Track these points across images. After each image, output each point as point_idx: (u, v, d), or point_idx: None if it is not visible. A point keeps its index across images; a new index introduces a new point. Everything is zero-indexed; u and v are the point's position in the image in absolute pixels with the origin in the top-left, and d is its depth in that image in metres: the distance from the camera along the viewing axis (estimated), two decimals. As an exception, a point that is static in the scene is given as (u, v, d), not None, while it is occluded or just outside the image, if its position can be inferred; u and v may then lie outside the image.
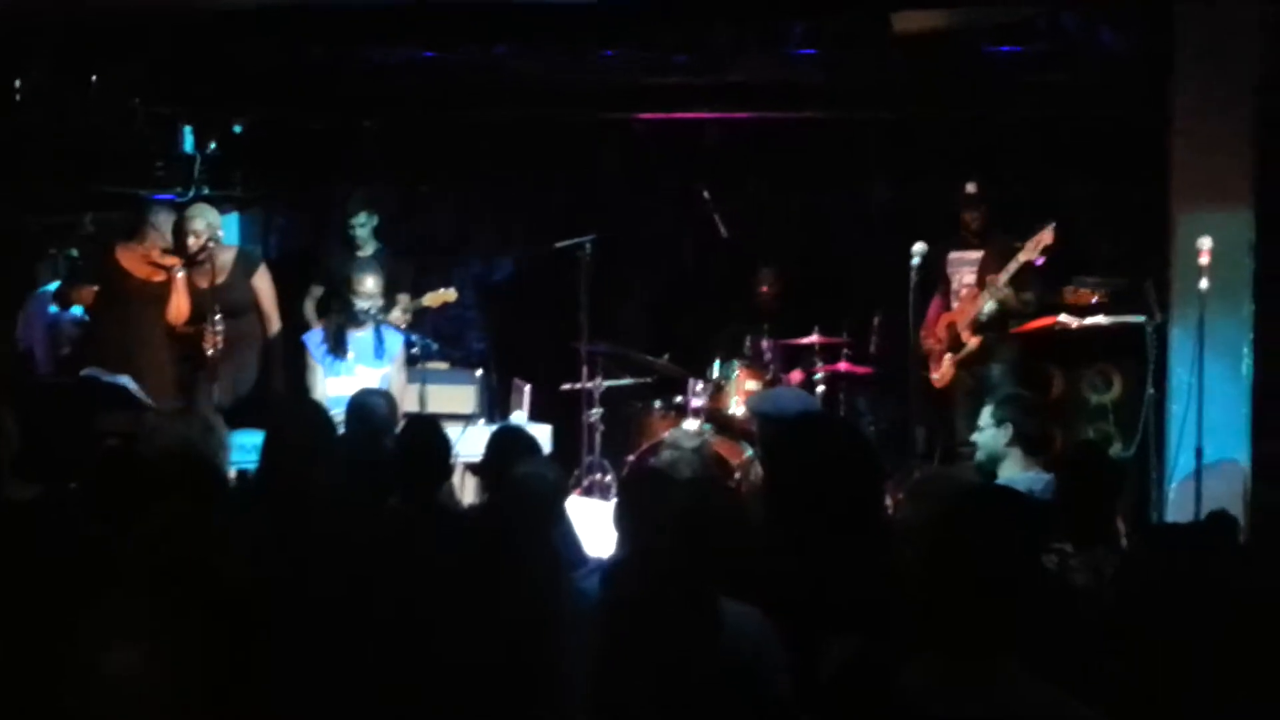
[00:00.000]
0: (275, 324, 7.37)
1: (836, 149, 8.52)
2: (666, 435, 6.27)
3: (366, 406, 5.47)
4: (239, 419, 6.91)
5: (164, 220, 7.09)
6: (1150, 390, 6.70)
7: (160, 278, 7.00)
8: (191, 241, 6.99)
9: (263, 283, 7.33)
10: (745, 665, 2.84)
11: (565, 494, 4.51)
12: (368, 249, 7.85)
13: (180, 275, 6.95)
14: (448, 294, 7.74)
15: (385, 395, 5.83)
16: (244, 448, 5.54)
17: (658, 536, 3.43)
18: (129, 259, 7.04)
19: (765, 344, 8.05)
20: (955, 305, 7.34)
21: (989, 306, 7.11)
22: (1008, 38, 7.01)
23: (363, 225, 7.84)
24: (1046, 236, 6.85)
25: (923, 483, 4.27)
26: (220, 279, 7.03)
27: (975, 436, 5.33)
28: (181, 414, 5.31)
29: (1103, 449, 6.21)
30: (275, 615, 2.87)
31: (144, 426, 4.43)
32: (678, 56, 7.41)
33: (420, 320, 7.82)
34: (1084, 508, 4.23)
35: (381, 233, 8.02)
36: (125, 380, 6.32)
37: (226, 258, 7.19)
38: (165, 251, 7.02)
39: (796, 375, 7.97)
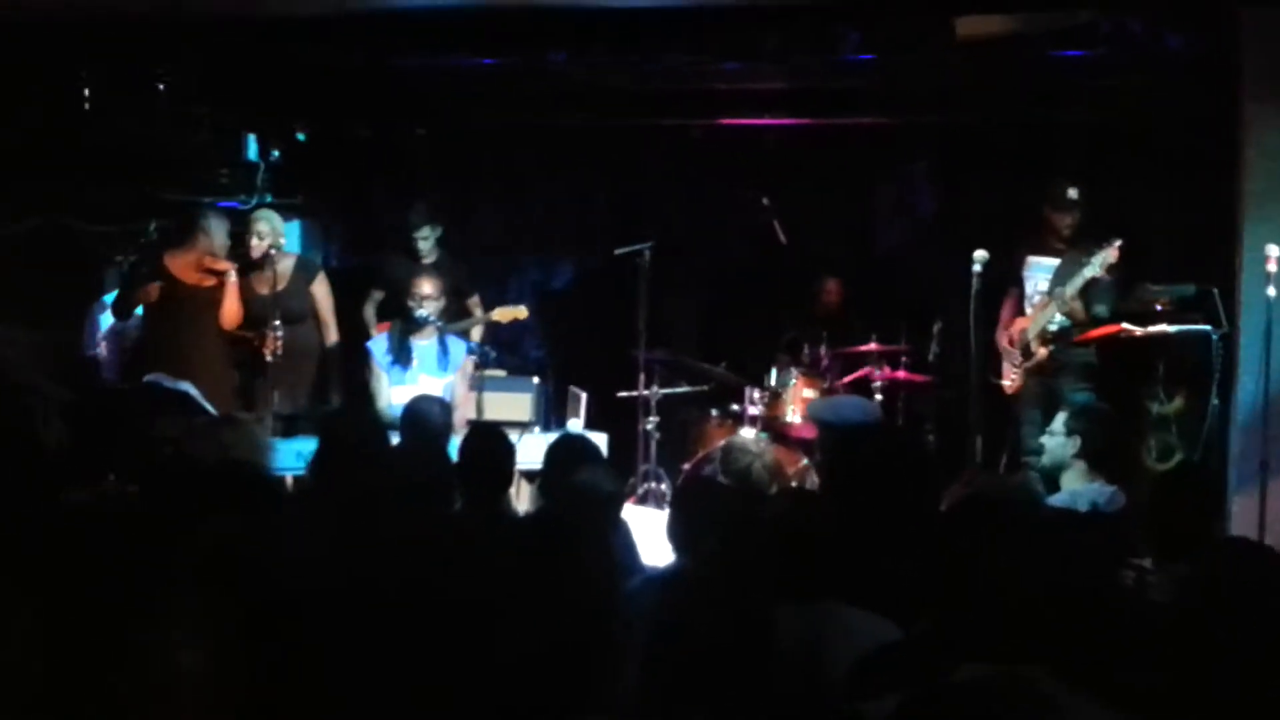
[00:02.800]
0: (333, 333, 7.43)
1: (895, 155, 8.46)
2: (729, 441, 6.22)
3: (420, 413, 5.47)
4: (298, 426, 6.99)
5: (215, 226, 7.14)
6: (1215, 401, 6.59)
7: (211, 283, 7.06)
8: (255, 244, 7.07)
9: (321, 291, 7.39)
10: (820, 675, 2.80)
11: (621, 502, 4.49)
12: (430, 259, 7.87)
13: (233, 280, 7.01)
14: (518, 310, 7.68)
15: (440, 402, 5.83)
16: (302, 455, 5.56)
17: (712, 545, 3.41)
18: (178, 266, 7.10)
19: (823, 352, 8.00)
20: (1029, 311, 7.26)
21: (1056, 318, 7.04)
22: (1071, 42, 6.92)
23: (426, 238, 7.84)
24: (1113, 254, 6.78)
25: (978, 491, 4.23)
26: (280, 285, 7.11)
27: (1044, 440, 5.30)
28: (225, 421, 5.34)
29: (1198, 466, 6.13)
30: (331, 620, 2.87)
31: (192, 433, 4.46)
32: (731, 63, 7.38)
33: (488, 333, 7.83)
34: (1170, 524, 4.14)
35: (445, 242, 8.06)
36: (187, 386, 6.37)
37: (287, 264, 7.26)
38: (216, 256, 7.08)
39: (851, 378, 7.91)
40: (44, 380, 6.14)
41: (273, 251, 7.06)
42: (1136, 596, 3.68)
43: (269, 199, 8.19)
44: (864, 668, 2.69)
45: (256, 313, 7.03)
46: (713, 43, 7.21)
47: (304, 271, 7.35)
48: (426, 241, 7.85)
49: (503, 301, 7.83)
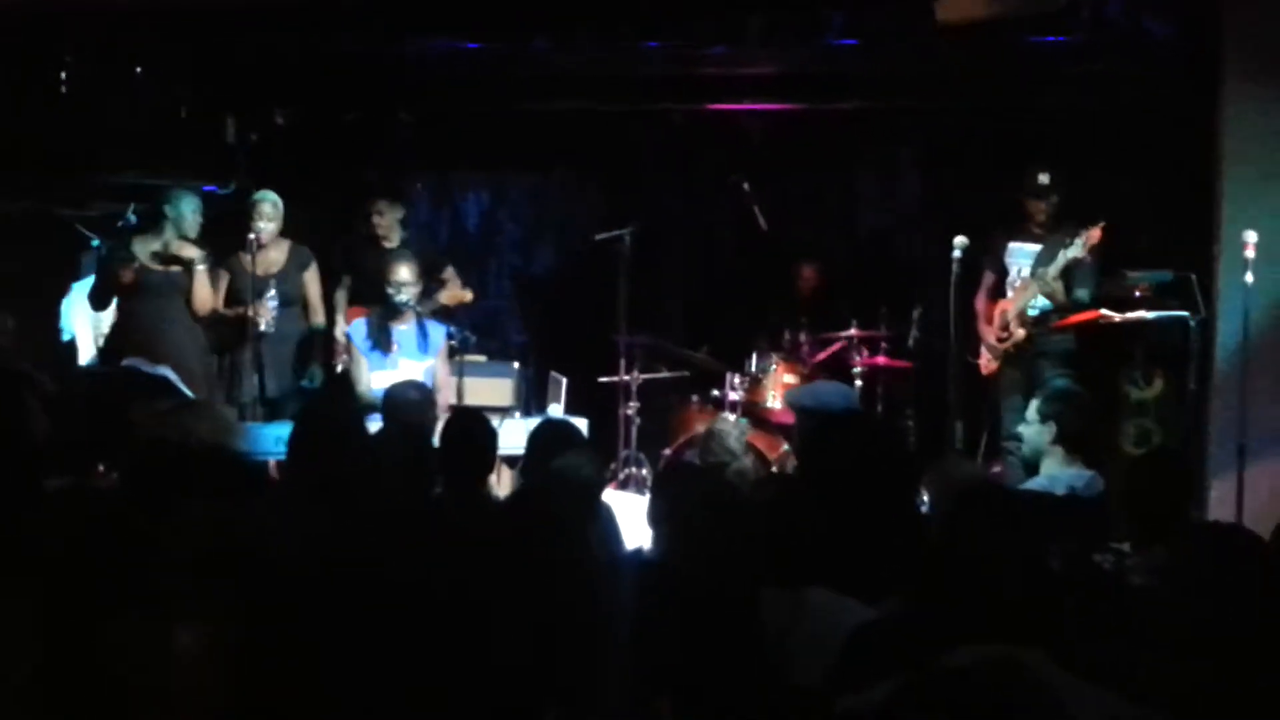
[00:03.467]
0: (320, 318, 7.44)
1: (876, 141, 8.47)
2: (710, 429, 6.23)
3: (399, 399, 5.48)
4: (282, 411, 6.99)
5: (185, 209, 7.09)
6: (1192, 386, 6.62)
7: (178, 268, 7.04)
8: (261, 226, 7.09)
9: (312, 278, 7.42)
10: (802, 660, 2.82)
11: (602, 487, 4.50)
12: (393, 240, 7.85)
13: (201, 268, 7.00)
14: (464, 294, 7.74)
15: (419, 387, 5.83)
16: (282, 440, 5.56)
17: (694, 530, 3.42)
18: (147, 253, 7.08)
19: (803, 338, 8.01)
20: (1010, 294, 7.27)
21: (1038, 299, 7.05)
22: (1051, 27, 6.93)
23: (381, 214, 7.83)
24: (1095, 235, 6.79)
25: (944, 477, 4.26)
26: (274, 269, 7.16)
27: (1020, 429, 5.31)
28: (191, 405, 5.33)
29: (1172, 451, 6.16)
30: (316, 603, 2.88)
31: (160, 418, 4.45)
32: (716, 47, 7.38)
33: (450, 314, 7.82)
34: (1146, 509, 4.16)
35: (407, 224, 8.04)
36: (166, 371, 6.35)
37: (283, 248, 7.28)
38: (185, 241, 7.06)
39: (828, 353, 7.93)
40: (30, 367, 6.12)
41: (273, 228, 7.13)
42: (1115, 579, 3.72)
43: (247, 184, 8.16)
44: (848, 655, 2.70)
45: (247, 291, 7.02)
46: (696, 28, 7.21)
47: (298, 258, 7.36)
48: (383, 219, 7.81)
49: (483, 285, 7.83)
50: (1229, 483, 6.16)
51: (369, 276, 7.37)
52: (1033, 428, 5.15)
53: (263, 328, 6.96)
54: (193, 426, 4.19)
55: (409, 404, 5.43)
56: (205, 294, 7.05)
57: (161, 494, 3.51)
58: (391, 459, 4.23)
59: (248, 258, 7.01)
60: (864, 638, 2.76)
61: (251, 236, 7.01)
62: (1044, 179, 7.14)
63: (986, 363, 7.28)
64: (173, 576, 2.67)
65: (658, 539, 3.87)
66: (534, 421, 6.13)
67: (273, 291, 6.99)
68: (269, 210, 7.16)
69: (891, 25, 7.19)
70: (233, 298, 7.20)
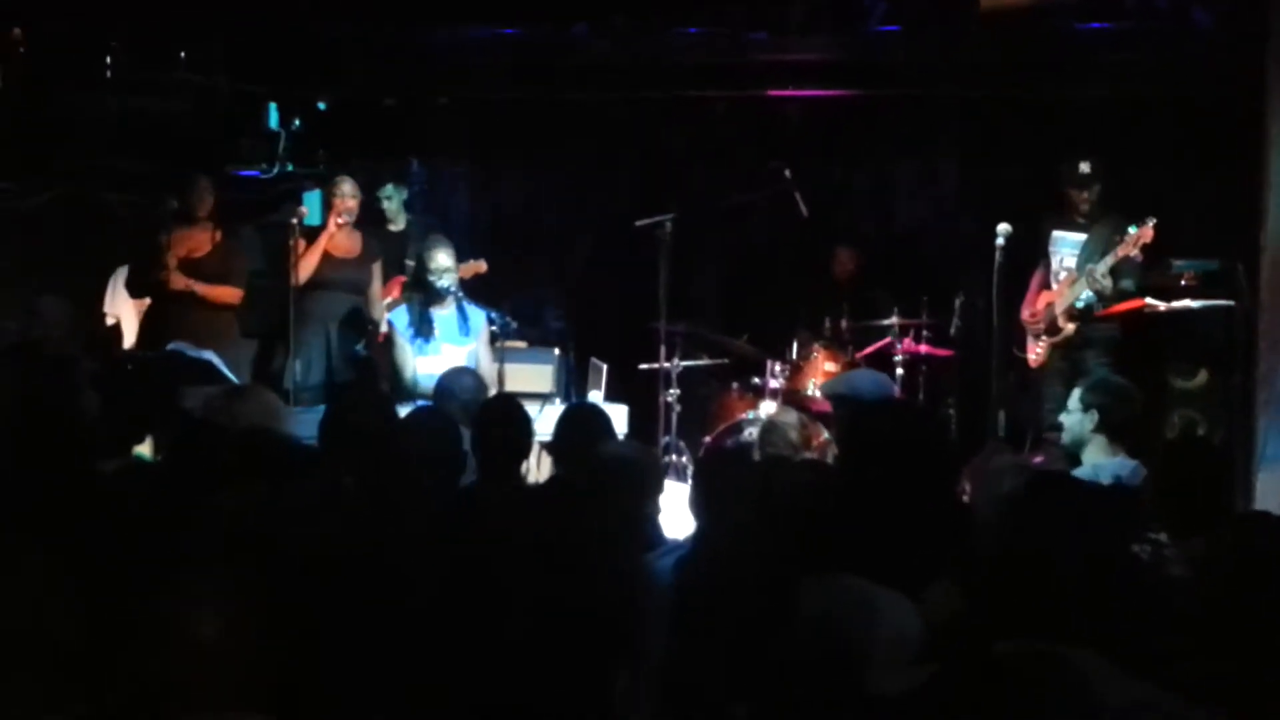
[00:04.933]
0: (378, 311, 7.51)
1: (918, 128, 8.42)
2: (771, 419, 6.20)
3: (454, 385, 5.50)
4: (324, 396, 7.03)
5: (204, 185, 7.18)
6: (1239, 376, 6.56)
7: (203, 250, 7.08)
8: (339, 204, 7.19)
9: (378, 271, 7.51)
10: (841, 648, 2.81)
11: (660, 472, 4.50)
12: (399, 223, 7.90)
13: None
14: (478, 265, 7.77)
15: (473, 373, 5.86)
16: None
17: (734, 517, 3.42)
18: (183, 238, 7.14)
19: (844, 325, 7.99)
20: (1055, 286, 7.24)
21: (1086, 295, 7.02)
22: (1096, 15, 6.87)
23: (389, 198, 7.90)
24: (1147, 234, 6.75)
25: (984, 466, 4.23)
26: (350, 255, 7.29)
27: (1062, 418, 5.25)
28: (242, 390, 5.36)
29: (1206, 439, 6.10)
30: (348, 590, 2.89)
31: (210, 402, 4.48)
32: (757, 34, 7.35)
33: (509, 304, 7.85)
34: (1183, 498, 4.12)
35: (411, 206, 8.07)
36: (209, 355, 6.39)
37: (355, 236, 7.37)
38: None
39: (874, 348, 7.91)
40: (79, 351, 6.17)
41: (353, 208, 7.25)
42: (1154, 570, 3.68)
43: (290, 169, 8.20)
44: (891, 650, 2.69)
45: (326, 273, 7.17)
46: (737, 14, 7.18)
47: (370, 249, 7.44)
48: (390, 203, 7.89)
49: (526, 273, 7.86)
50: (1275, 474, 6.11)
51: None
52: (1074, 416, 5.11)
53: (339, 221, 7.13)
54: (240, 411, 4.22)
55: (464, 389, 5.45)
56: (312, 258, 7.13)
57: (205, 477, 3.54)
58: (424, 444, 4.24)
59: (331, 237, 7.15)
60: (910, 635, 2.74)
61: (341, 220, 7.14)
62: (1085, 168, 7.09)
63: (1036, 356, 7.25)
64: (202, 560, 2.70)
65: (699, 525, 3.88)
66: (574, 408, 6.13)
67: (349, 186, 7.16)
68: (349, 189, 7.25)
69: (934, 12, 7.14)
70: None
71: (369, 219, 7.84)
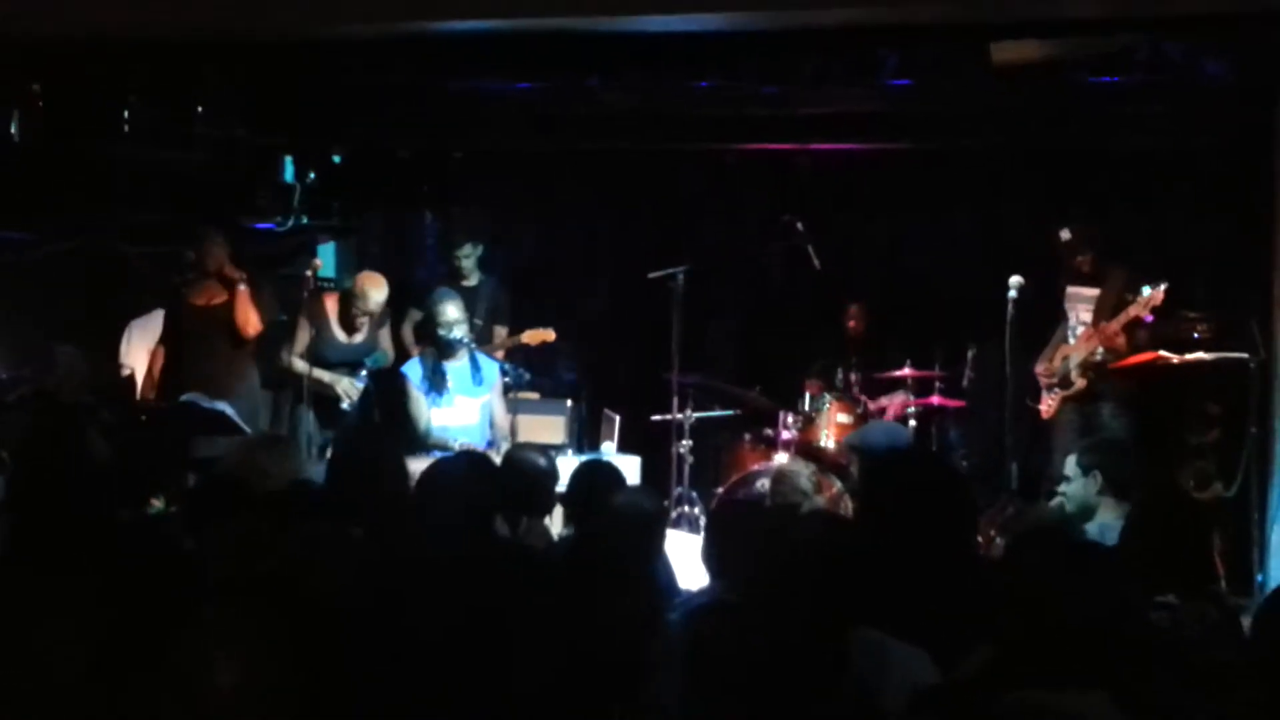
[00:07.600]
0: (391, 355, 7.56)
1: (930, 180, 8.45)
2: (782, 470, 6.18)
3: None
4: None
5: (214, 236, 7.22)
6: (1253, 429, 6.53)
7: (220, 299, 7.10)
8: (358, 307, 7.24)
9: (386, 332, 7.60)
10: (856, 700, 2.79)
11: (665, 525, 4.48)
12: (473, 279, 7.96)
13: (243, 288, 7.07)
14: (546, 333, 7.78)
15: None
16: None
17: (747, 570, 3.40)
18: (189, 290, 7.17)
19: (855, 378, 7.99)
20: (1072, 341, 7.25)
21: (1100, 351, 7.03)
22: (1108, 68, 6.90)
23: (468, 256, 7.97)
24: (1158, 297, 6.77)
25: (1017, 520, 4.20)
26: (360, 339, 7.37)
27: (1063, 488, 5.02)
28: (263, 440, 5.37)
29: (1179, 488, 6.03)
30: (367, 634, 2.89)
31: (229, 453, 4.49)
32: (768, 87, 7.38)
33: (520, 355, 7.87)
34: (1164, 558, 3.97)
35: (485, 264, 8.12)
36: (224, 406, 6.41)
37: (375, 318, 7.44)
38: (230, 265, 7.15)
39: (895, 405, 7.89)
40: (93, 400, 6.20)
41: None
42: (1172, 634, 3.62)
43: (305, 220, 8.25)
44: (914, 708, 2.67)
45: (332, 355, 7.29)
46: (748, 67, 7.22)
47: (381, 319, 7.50)
48: (469, 260, 7.95)
49: (539, 323, 7.86)
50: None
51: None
52: (1076, 483, 4.91)
53: (344, 405, 7.17)
54: (267, 464, 4.23)
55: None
56: (250, 315, 7.09)
57: (224, 525, 3.54)
58: (452, 495, 4.22)
59: (341, 332, 7.21)
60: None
61: (364, 318, 7.24)
62: (1065, 235, 7.16)
63: (1048, 408, 7.24)
64: (220, 607, 2.70)
65: (712, 578, 3.86)
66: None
67: (364, 373, 7.19)
68: (379, 300, 7.30)
69: (946, 66, 7.17)
70: (315, 358, 7.29)
71: (448, 274, 7.99)
